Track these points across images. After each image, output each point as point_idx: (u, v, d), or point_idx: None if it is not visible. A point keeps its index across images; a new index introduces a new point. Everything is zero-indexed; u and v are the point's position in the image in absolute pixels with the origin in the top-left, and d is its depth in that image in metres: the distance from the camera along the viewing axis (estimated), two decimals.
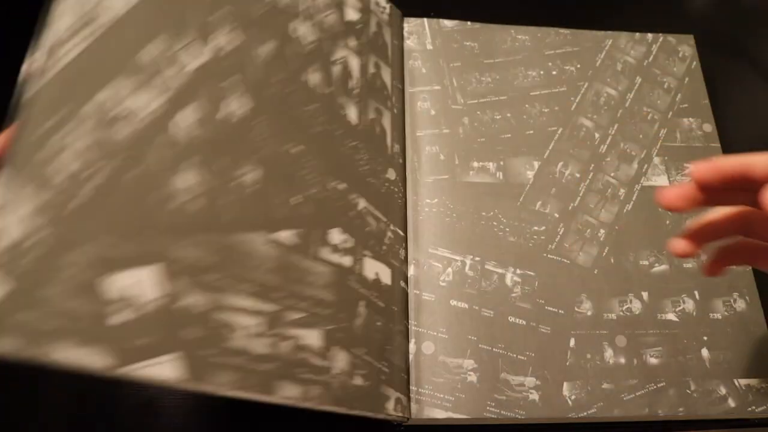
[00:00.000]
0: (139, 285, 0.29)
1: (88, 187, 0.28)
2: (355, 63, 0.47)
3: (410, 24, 0.55)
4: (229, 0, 0.38)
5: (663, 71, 0.55)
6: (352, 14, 0.49)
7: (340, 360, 0.38)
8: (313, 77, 0.43)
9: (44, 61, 0.28)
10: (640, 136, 0.52)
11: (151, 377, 0.28)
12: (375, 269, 0.43)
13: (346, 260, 0.40)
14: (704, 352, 0.45)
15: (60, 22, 0.29)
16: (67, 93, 0.29)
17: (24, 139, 0.27)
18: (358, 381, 0.38)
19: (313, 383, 0.36)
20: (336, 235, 0.40)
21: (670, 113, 0.53)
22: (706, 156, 0.51)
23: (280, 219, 0.38)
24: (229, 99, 0.36)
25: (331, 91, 0.44)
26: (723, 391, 0.43)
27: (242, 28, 0.39)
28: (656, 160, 0.51)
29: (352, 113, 0.45)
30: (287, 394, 0.34)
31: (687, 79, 0.55)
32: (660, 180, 0.51)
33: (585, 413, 0.42)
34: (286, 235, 0.38)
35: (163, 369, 0.29)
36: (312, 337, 0.36)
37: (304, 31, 0.44)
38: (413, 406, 0.41)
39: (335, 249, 0.40)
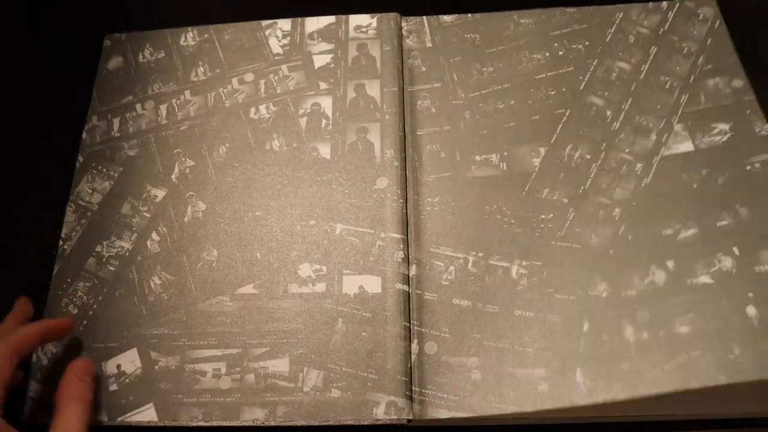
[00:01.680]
0: (126, 362, 0.43)
1: (92, 309, 0.46)
2: (327, 102, 0.51)
3: (409, 23, 0.54)
4: None
5: (682, 37, 0.52)
6: (320, 61, 0.53)
7: (312, 378, 0.42)
8: (276, 143, 0.50)
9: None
10: (658, 106, 0.50)
11: (134, 422, 0.42)
12: (358, 283, 0.44)
13: (320, 287, 0.45)
14: (750, 310, 0.41)
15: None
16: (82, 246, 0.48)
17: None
18: (335, 393, 0.41)
19: (280, 404, 0.41)
20: (306, 270, 0.45)
21: (692, 77, 0.50)
22: (736, 113, 0.48)
23: (243, 276, 0.46)
24: (192, 205, 0.48)
25: (297, 145, 0.50)
26: None
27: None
28: (678, 127, 0.48)
29: (325, 150, 0.49)
30: (253, 416, 0.41)
31: (710, 40, 0.52)
32: (684, 146, 0.48)
33: (602, 398, 0.40)
34: (248, 288, 0.45)
35: (143, 416, 0.42)
36: (279, 365, 0.43)
37: (264, 111, 0.51)
38: (416, 407, 0.41)
39: (305, 281, 0.45)
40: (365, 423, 0.41)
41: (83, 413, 0.37)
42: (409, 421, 0.41)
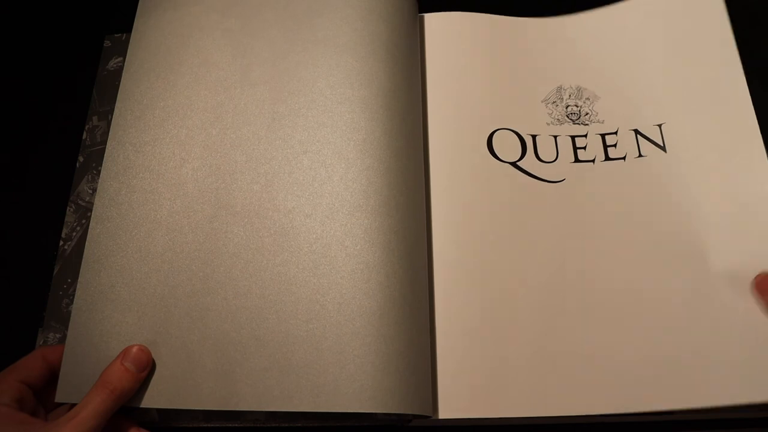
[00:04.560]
0: None
1: None
2: None
3: None
4: None
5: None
6: None
7: None
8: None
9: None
10: None
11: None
12: None
13: None
14: None
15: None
16: None
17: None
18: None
19: None
20: None
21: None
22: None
23: None
24: None
25: None
26: None
27: None
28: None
29: None
30: (254, 417, 0.41)
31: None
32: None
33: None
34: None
35: (143, 416, 0.41)
36: None
37: None
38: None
39: None
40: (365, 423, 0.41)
41: (103, 402, 0.37)
42: (409, 421, 0.41)
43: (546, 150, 0.49)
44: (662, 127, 0.49)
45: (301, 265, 0.41)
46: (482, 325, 0.43)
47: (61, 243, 0.48)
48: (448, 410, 0.41)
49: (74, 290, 0.46)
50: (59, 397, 0.39)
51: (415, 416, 0.39)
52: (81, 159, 0.51)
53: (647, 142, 0.49)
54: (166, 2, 0.50)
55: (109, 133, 0.46)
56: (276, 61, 0.47)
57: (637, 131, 0.49)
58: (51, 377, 0.41)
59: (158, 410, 0.41)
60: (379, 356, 0.38)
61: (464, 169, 0.48)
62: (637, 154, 0.49)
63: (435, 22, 0.54)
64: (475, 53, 0.53)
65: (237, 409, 0.38)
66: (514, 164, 0.49)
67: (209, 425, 0.42)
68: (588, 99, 0.51)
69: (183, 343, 0.40)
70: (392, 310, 0.40)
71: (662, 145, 0.49)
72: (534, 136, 0.50)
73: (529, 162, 0.49)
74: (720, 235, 0.45)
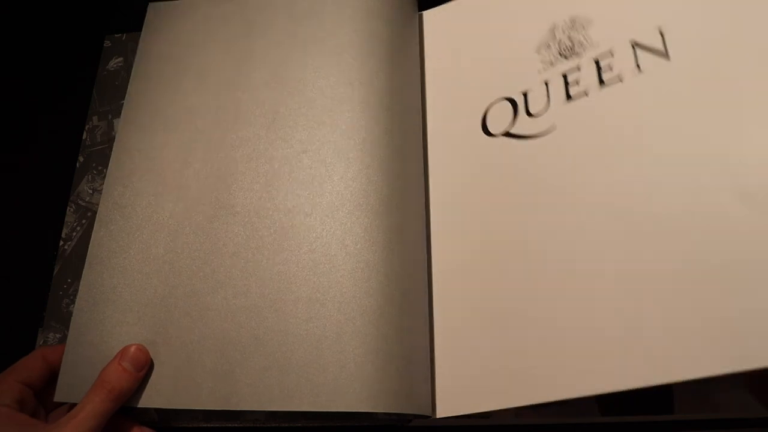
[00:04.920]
0: None
1: None
2: None
3: None
4: None
5: None
6: None
7: None
8: None
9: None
10: None
11: None
12: None
13: None
14: None
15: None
16: None
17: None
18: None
19: None
20: None
21: None
22: None
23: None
24: None
25: None
26: None
27: None
28: None
29: None
30: (254, 417, 0.41)
31: None
32: None
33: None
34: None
35: (143, 416, 0.41)
36: None
37: None
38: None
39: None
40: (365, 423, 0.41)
41: (102, 402, 0.37)
42: (409, 421, 0.41)
43: (537, 102, 0.45)
44: (664, 30, 0.42)
45: (301, 264, 0.41)
46: (483, 324, 0.43)
47: (61, 243, 0.48)
48: (447, 409, 0.40)
49: (74, 290, 0.46)
50: (58, 397, 0.39)
51: (415, 416, 0.39)
52: (81, 159, 0.51)
53: (647, 53, 0.42)
54: (173, 10, 0.51)
55: (115, 140, 0.46)
56: (276, 61, 0.47)
57: (634, 43, 0.43)
58: (51, 377, 0.41)
59: (158, 410, 0.41)
60: (379, 356, 0.38)
61: (464, 167, 0.48)
62: (636, 71, 0.42)
63: (432, 17, 0.53)
64: (470, 32, 0.51)
65: (237, 408, 0.38)
66: (507, 134, 0.46)
67: (209, 425, 0.42)
68: (582, 26, 0.46)
69: (183, 342, 0.40)
70: (392, 309, 0.40)
71: (664, 51, 0.41)
72: (525, 93, 0.46)
73: (520, 124, 0.45)
74: (741, 148, 0.37)
